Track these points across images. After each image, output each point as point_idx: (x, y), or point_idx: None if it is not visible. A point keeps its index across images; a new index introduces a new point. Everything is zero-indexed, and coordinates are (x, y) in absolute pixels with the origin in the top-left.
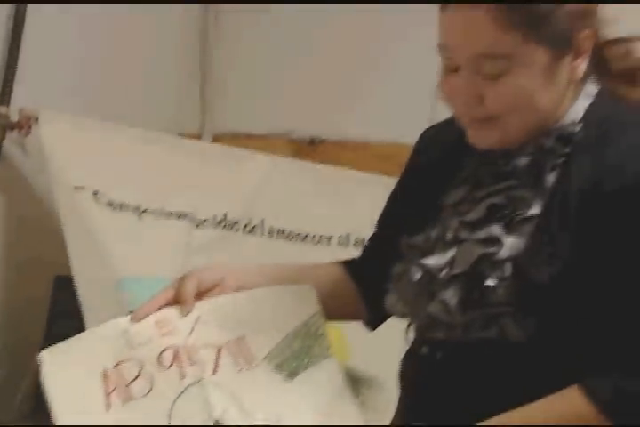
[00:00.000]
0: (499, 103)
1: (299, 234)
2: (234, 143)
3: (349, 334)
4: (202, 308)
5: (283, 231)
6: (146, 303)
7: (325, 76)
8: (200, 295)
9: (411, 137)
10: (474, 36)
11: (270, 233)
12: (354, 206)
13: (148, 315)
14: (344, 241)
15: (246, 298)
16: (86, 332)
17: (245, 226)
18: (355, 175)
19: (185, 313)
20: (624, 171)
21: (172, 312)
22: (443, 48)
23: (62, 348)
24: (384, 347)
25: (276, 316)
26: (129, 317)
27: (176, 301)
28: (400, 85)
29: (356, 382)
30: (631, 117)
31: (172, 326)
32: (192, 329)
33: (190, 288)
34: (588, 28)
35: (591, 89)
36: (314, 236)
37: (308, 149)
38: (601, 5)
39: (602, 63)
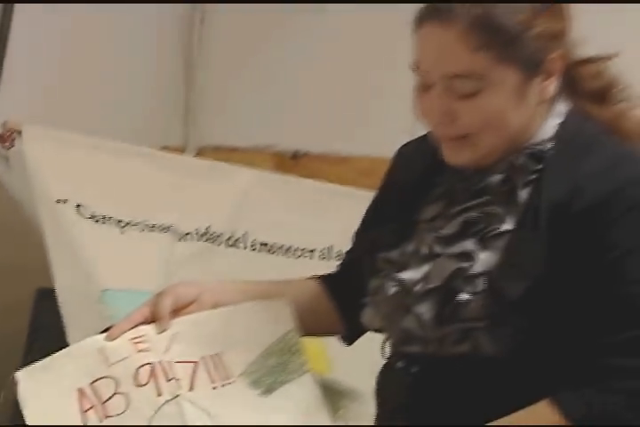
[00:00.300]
0: (471, 122)
1: (281, 247)
2: (217, 156)
3: (330, 348)
4: (178, 325)
5: (265, 244)
6: (122, 321)
7: (308, 90)
8: (177, 312)
9: (392, 152)
10: (445, 56)
11: (253, 246)
12: (336, 220)
13: (124, 332)
14: (326, 254)
15: (222, 315)
16: (62, 351)
17: (228, 239)
18: (337, 189)
19: (161, 330)
20: (590, 191)
21: (148, 329)
22: (416, 66)
23: (38, 367)
24: (365, 360)
25: (252, 332)
26: (105, 334)
27: (152, 317)
28: (382, 100)
29: (338, 395)
30: (599, 137)
31: (149, 343)
32: (168, 346)
33: (167, 305)
34: (558, 50)
35: (562, 107)
36: (296, 249)
37: (291, 162)
38: (572, 26)
39: (573, 82)
